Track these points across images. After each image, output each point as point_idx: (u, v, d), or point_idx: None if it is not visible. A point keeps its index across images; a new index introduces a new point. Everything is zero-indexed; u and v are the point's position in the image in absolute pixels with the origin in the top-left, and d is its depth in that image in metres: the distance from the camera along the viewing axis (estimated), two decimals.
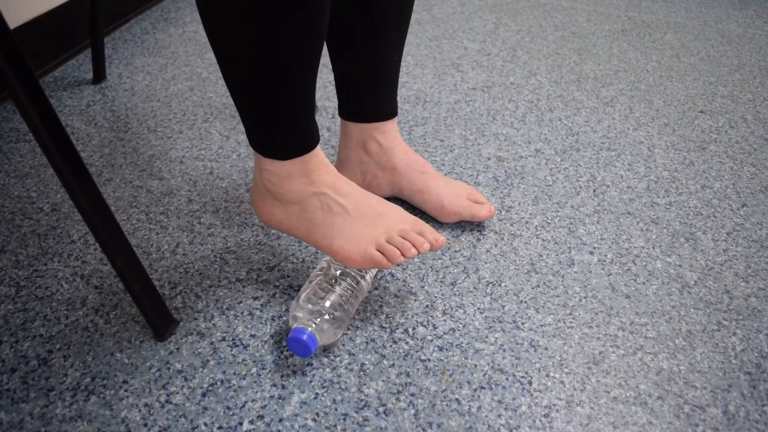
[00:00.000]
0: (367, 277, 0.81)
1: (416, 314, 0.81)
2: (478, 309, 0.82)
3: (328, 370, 0.74)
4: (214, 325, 0.79)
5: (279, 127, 0.74)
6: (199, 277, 0.86)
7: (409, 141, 1.18)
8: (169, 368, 0.74)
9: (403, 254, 0.75)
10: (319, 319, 0.72)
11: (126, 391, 0.71)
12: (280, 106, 0.72)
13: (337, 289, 0.76)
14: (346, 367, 0.74)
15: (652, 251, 0.93)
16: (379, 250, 0.75)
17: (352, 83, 0.90)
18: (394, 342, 0.78)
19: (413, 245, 0.76)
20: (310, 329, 0.71)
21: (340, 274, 0.79)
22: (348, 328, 0.79)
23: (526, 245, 0.93)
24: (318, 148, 0.77)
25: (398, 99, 1.19)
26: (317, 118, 1.25)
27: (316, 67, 0.72)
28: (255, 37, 0.66)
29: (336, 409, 0.69)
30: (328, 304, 0.74)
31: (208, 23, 0.67)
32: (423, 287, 0.86)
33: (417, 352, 0.76)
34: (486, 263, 0.90)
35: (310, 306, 0.74)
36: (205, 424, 0.67)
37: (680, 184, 1.08)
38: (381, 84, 0.91)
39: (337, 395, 0.71)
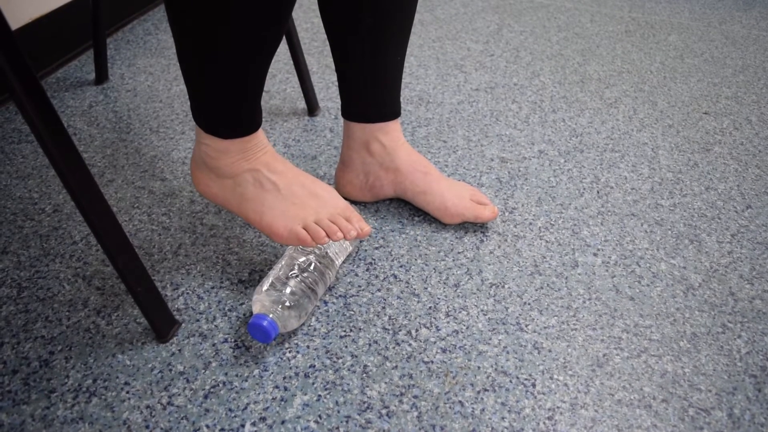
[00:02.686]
0: (333, 264, 0.82)
1: (419, 316, 0.81)
2: (482, 311, 0.82)
3: (330, 371, 0.73)
4: (216, 326, 0.79)
5: (223, 113, 0.77)
6: (201, 279, 0.86)
7: (412, 142, 1.18)
8: (170, 370, 0.73)
9: (328, 236, 0.77)
10: (280, 306, 0.73)
11: (128, 392, 0.71)
12: (227, 98, 0.75)
13: (300, 276, 0.77)
14: (348, 369, 0.74)
15: (656, 253, 0.93)
16: (305, 229, 0.78)
17: (356, 84, 0.90)
18: (397, 344, 0.77)
19: (340, 229, 0.78)
20: (271, 315, 0.72)
21: (304, 261, 0.80)
22: (351, 330, 0.79)
23: (529, 247, 0.93)
24: (260, 130, 0.80)
25: (401, 100, 1.19)
26: (320, 118, 1.24)
27: (267, 66, 0.76)
28: (222, 40, 0.69)
29: (338, 411, 0.69)
30: (288, 290, 0.75)
31: (176, 23, 0.70)
32: (426, 289, 0.85)
33: (420, 354, 0.76)
34: (489, 265, 0.89)
35: (272, 292, 0.75)
36: (207, 426, 0.67)
37: (684, 185, 1.08)
38: (384, 85, 0.90)
39: (340, 397, 0.71)
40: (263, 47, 0.72)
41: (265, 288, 0.76)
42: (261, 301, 0.74)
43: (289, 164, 0.82)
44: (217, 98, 0.75)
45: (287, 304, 0.74)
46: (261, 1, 0.66)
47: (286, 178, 0.81)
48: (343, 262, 0.88)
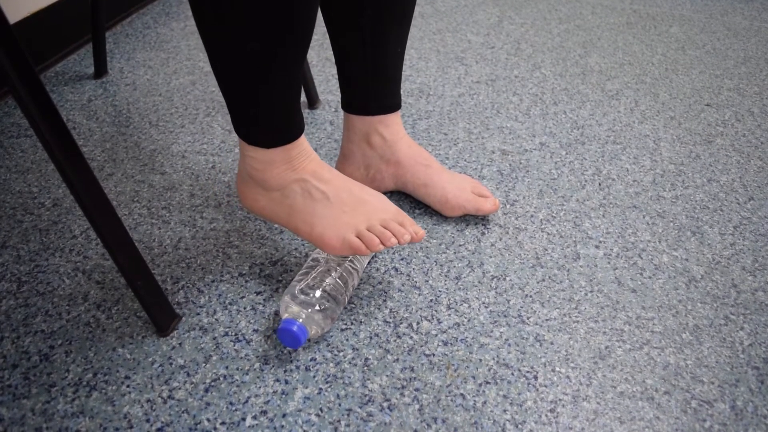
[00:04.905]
0: (359, 266, 0.81)
1: (420, 309, 0.81)
2: (483, 303, 0.82)
3: (331, 365, 0.73)
4: (216, 320, 0.79)
5: (262, 118, 0.75)
6: (202, 272, 0.86)
7: (413, 134, 1.17)
8: (171, 364, 0.73)
9: (382, 243, 0.75)
10: (309, 310, 0.72)
11: (128, 386, 0.70)
12: (263, 100, 0.73)
13: (329, 279, 0.76)
14: (349, 362, 0.74)
15: (658, 245, 0.92)
16: (358, 237, 0.75)
17: (356, 76, 0.90)
18: (399, 337, 0.77)
19: (394, 235, 0.76)
20: (300, 320, 0.71)
21: (333, 265, 0.78)
22: (352, 323, 0.79)
23: (531, 239, 0.93)
24: (302, 137, 0.78)
25: (402, 92, 1.18)
26: (320, 111, 1.24)
27: (300, 63, 0.73)
28: (240, 44, 0.67)
29: (340, 405, 0.69)
30: (318, 294, 0.74)
31: (199, 20, 0.68)
32: (427, 281, 0.85)
33: (421, 346, 0.76)
34: (491, 257, 0.89)
35: (301, 297, 0.73)
36: (208, 420, 0.67)
37: (686, 177, 1.07)
38: (384, 77, 0.90)
39: (341, 390, 0.70)
40: (293, 26, 0.67)
41: (294, 292, 0.74)
42: (290, 305, 0.73)
43: (336, 171, 0.80)
44: (254, 101, 0.73)
45: (317, 308, 0.73)
46: None
47: (335, 186, 0.78)
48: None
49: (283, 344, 0.73)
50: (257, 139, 0.76)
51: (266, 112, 0.74)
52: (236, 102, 0.74)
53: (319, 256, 0.80)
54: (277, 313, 0.79)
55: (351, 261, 0.80)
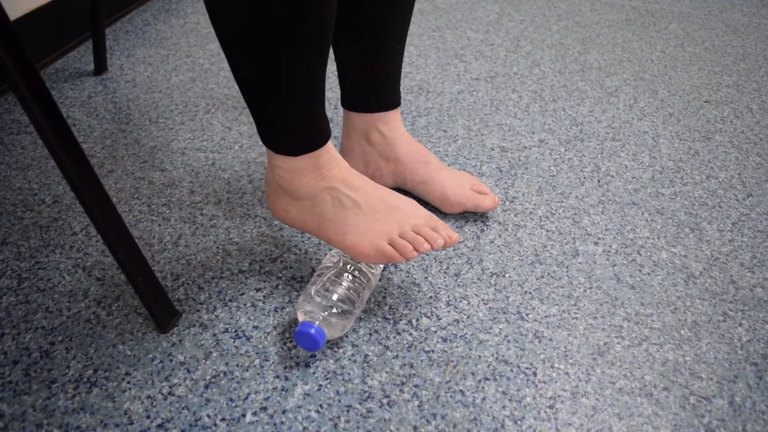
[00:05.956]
0: (376, 270, 0.81)
1: (420, 305, 0.81)
2: (482, 300, 0.82)
3: (331, 361, 0.73)
4: (216, 316, 0.79)
5: (287, 125, 0.73)
6: (202, 269, 0.86)
7: (412, 131, 1.17)
8: (171, 360, 0.73)
9: (416, 249, 0.74)
10: (327, 313, 0.72)
11: (128, 383, 0.71)
12: (286, 105, 0.72)
13: (346, 282, 0.76)
14: (349, 359, 0.74)
15: (657, 242, 0.92)
16: (391, 245, 0.74)
17: (355, 73, 0.90)
18: (398, 333, 0.77)
19: (426, 240, 0.75)
20: (317, 323, 0.71)
21: (350, 268, 0.78)
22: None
23: (530, 236, 0.93)
24: (329, 143, 0.77)
25: (401, 89, 1.18)
26: None
27: (322, 65, 0.72)
28: (256, 46, 0.66)
29: (339, 401, 0.69)
30: (336, 297, 0.73)
31: (216, 26, 0.67)
32: (427, 278, 0.85)
33: (421, 343, 0.76)
34: (490, 254, 0.89)
35: (318, 299, 0.73)
36: (208, 416, 0.67)
37: (685, 174, 1.08)
38: (384, 74, 0.90)
39: (341, 387, 0.71)
40: (300, 26, 0.65)
41: (311, 294, 0.74)
42: (306, 308, 0.73)
43: (365, 178, 0.79)
44: (277, 115, 0.72)
45: (335, 311, 0.72)
46: None
47: (365, 193, 0.77)
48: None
49: (300, 347, 0.73)
50: (284, 147, 0.74)
51: (291, 117, 0.73)
52: (260, 110, 0.73)
53: (333, 258, 0.80)
54: (277, 310, 0.80)
55: (369, 263, 0.80)
